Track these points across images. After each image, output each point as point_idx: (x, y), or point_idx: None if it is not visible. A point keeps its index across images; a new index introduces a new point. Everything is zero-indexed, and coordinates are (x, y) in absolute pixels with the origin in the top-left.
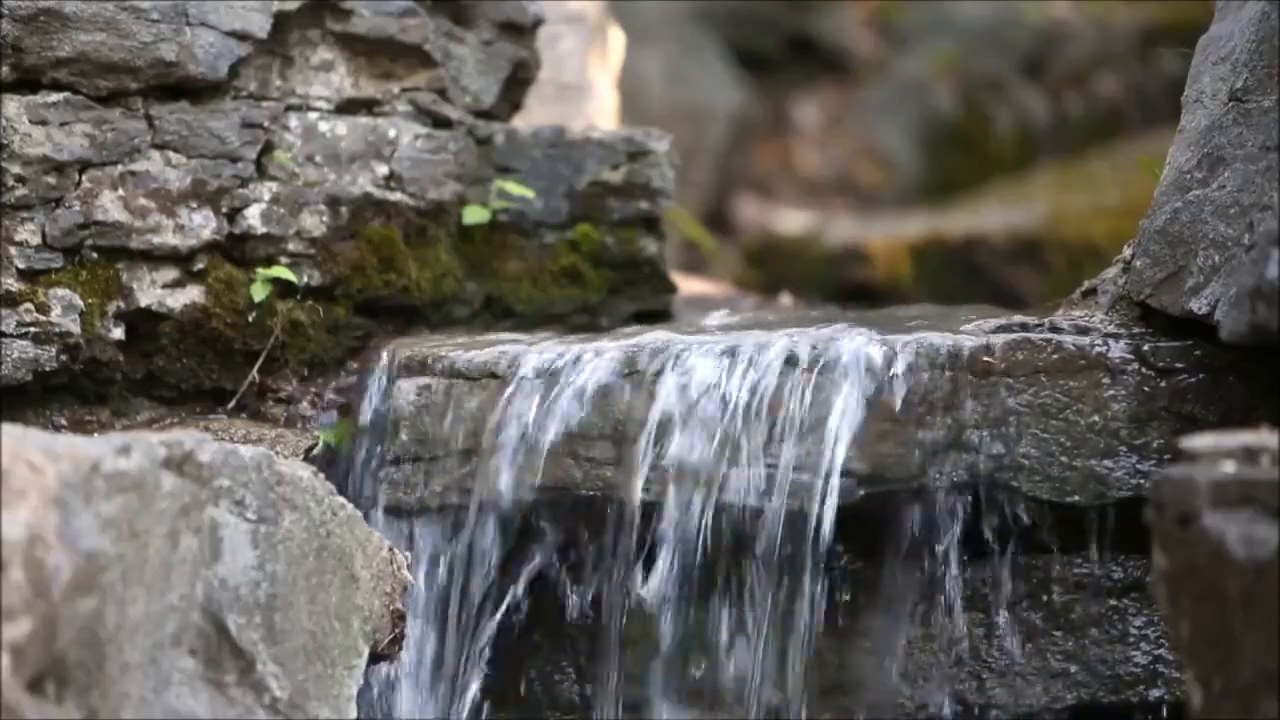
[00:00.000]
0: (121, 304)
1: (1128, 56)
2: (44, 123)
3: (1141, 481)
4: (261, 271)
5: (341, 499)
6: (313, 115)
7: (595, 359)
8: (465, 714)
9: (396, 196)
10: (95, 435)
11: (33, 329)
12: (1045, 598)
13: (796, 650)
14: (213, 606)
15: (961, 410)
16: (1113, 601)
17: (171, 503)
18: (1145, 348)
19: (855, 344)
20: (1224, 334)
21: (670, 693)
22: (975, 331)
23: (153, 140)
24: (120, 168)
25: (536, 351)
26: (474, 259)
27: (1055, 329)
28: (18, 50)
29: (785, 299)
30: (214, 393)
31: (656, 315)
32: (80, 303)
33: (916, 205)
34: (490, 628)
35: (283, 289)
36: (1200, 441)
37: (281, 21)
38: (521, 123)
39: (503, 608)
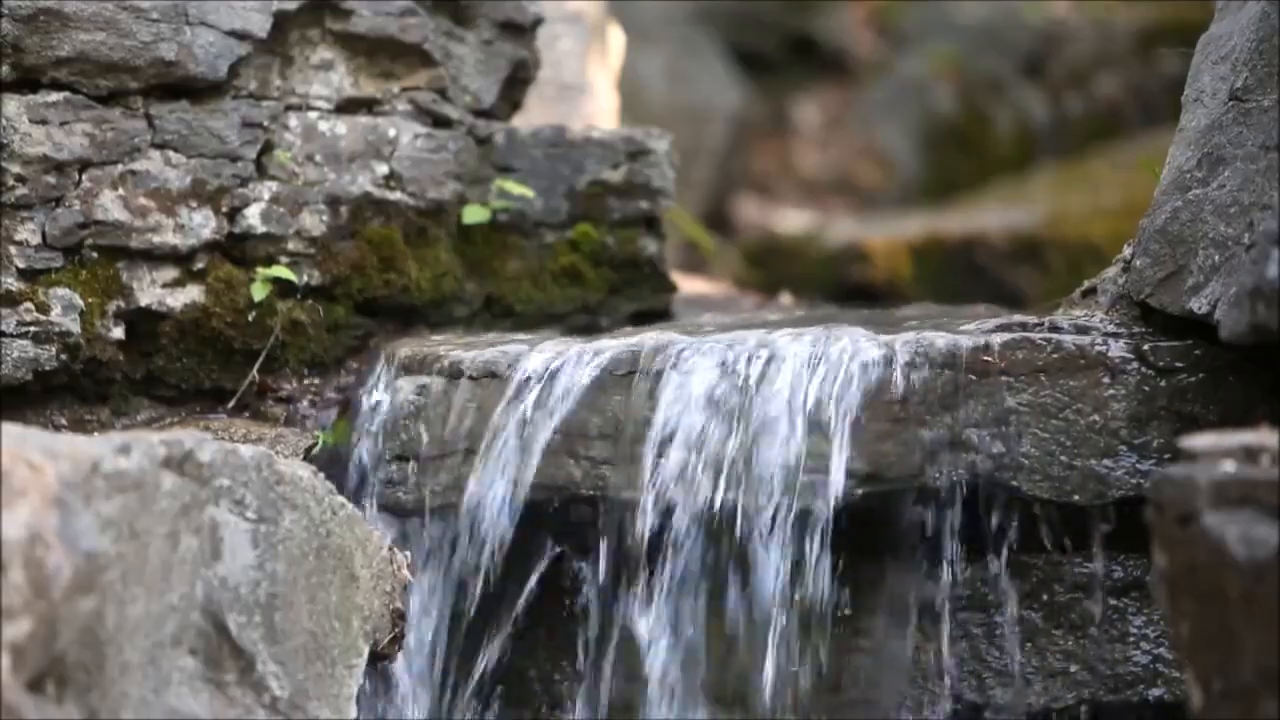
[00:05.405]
0: (121, 303)
1: (1128, 56)
2: (44, 122)
3: (1141, 481)
4: (261, 271)
5: (341, 498)
6: (312, 115)
7: (595, 358)
8: (464, 714)
9: (396, 196)
10: (95, 435)
11: (33, 328)
12: (1045, 597)
13: (796, 649)
14: (213, 606)
15: (961, 409)
16: (1113, 601)
17: (171, 502)
18: (1145, 347)
19: (855, 343)
20: (1224, 334)
21: (671, 692)
22: (975, 331)
23: (153, 140)
24: (120, 167)
25: (536, 351)
26: (474, 259)
27: (1055, 328)
28: (18, 50)
29: (785, 299)
30: (214, 392)
31: (656, 315)
32: (80, 302)
33: (916, 205)
34: (490, 626)
35: (283, 288)
36: (1200, 441)
37: (281, 21)
38: (521, 123)
39: (503, 605)
